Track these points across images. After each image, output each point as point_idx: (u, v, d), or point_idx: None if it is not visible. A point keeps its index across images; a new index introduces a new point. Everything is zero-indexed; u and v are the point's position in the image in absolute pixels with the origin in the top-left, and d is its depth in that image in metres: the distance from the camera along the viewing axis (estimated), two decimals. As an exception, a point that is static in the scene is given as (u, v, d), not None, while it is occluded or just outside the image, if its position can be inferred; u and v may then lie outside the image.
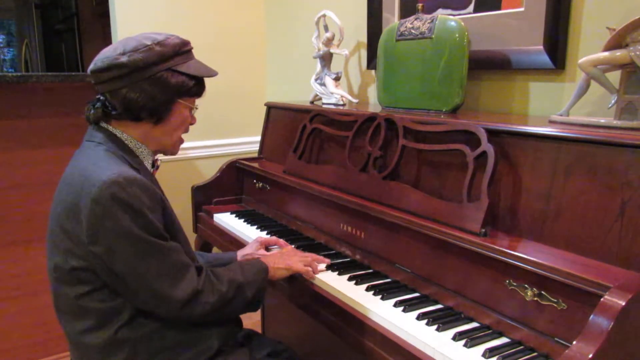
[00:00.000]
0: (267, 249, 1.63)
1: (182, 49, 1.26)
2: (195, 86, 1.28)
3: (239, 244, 1.76)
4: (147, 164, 1.29)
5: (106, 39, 3.51)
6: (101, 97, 1.24)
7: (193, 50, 1.32)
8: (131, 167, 1.19)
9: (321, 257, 1.48)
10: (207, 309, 1.20)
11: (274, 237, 1.66)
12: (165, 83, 1.22)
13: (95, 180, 1.11)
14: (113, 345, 1.18)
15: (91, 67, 1.21)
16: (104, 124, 1.25)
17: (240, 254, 1.61)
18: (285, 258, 1.44)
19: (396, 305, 1.25)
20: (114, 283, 1.15)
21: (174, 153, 1.37)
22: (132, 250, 1.11)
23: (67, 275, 1.17)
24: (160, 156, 1.37)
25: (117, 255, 1.11)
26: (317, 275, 1.42)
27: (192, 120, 1.34)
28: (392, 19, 2.03)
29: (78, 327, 1.19)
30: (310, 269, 1.43)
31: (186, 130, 1.35)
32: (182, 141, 1.35)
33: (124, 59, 1.18)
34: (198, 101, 1.35)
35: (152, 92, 1.21)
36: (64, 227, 1.16)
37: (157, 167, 1.36)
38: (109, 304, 1.17)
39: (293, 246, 1.60)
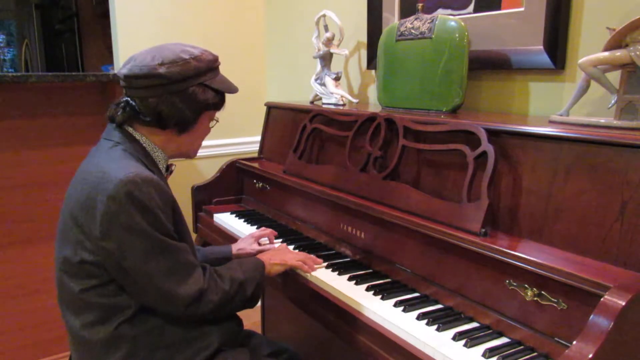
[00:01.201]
0: (259, 243, 1.67)
1: (214, 65, 1.31)
2: (221, 101, 1.34)
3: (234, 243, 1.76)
4: (162, 167, 1.33)
5: (106, 39, 3.51)
6: (130, 102, 1.25)
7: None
8: (146, 169, 1.22)
9: (314, 257, 1.49)
10: (211, 307, 1.22)
11: (267, 230, 1.69)
12: (196, 97, 1.26)
13: (112, 177, 1.13)
14: (113, 341, 1.18)
15: (125, 71, 1.23)
16: (125, 126, 1.27)
17: (235, 247, 1.64)
18: (280, 254, 1.46)
19: (396, 305, 1.25)
20: (121, 279, 1.17)
21: (192, 157, 1.43)
22: (143, 247, 1.13)
23: (75, 268, 1.18)
24: (173, 160, 1.40)
25: (128, 252, 1.13)
26: (317, 275, 1.42)
27: (208, 131, 1.39)
28: (392, 19, 2.03)
29: (80, 322, 1.20)
30: (304, 264, 1.44)
31: (203, 139, 1.40)
32: (200, 146, 1.41)
33: (162, 70, 1.21)
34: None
35: (182, 106, 1.25)
36: (77, 220, 1.17)
37: (171, 172, 1.40)
38: (112, 300, 1.18)
39: (285, 244, 1.61)
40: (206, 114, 1.32)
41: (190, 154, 1.40)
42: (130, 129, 1.27)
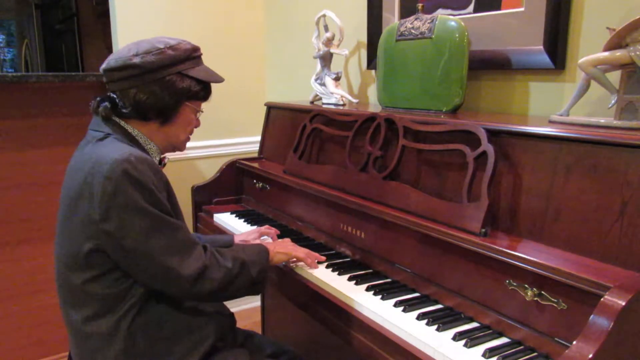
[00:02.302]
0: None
1: (193, 54, 1.31)
2: (202, 90, 1.34)
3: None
4: (155, 160, 1.33)
5: (106, 39, 3.51)
6: (112, 95, 1.27)
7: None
8: None
9: (317, 254, 1.50)
10: (215, 285, 1.21)
11: (272, 229, 1.69)
12: (174, 86, 1.26)
13: (107, 158, 1.14)
14: (113, 334, 1.19)
15: (104, 66, 1.26)
16: (115, 118, 1.28)
17: (238, 238, 1.64)
18: (284, 244, 1.47)
19: (396, 305, 1.25)
20: (123, 262, 1.17)
21: (181, 149, 1.42)
22: (142, 225, 1.14)
23: (78, 259, 1.18)
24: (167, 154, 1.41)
25: (128, 231, 1.13)
26: (317, 275, 1.42)
27: (197, 123, 1.39)
28: (392, 19, 2.03)
29: (81, 315, 1.20)
30: (307, 258, 1.45)
31: (191, 132, 1.39)
32: (188, 139, 1.40)
33: (137, 60, 1.22)
34: (203, 105, 1.39)
35: (161, 94, 1.25)
36: (76, 209, 1.17)
37: (164, 165, 1.40)
38: (113, 291, 1.18)
39: (289, 238, 1.61)
40: (188, 105, 1.32)
41: (179, 147, 1.39)
42: (121, 122, 1.28)
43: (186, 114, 1.33)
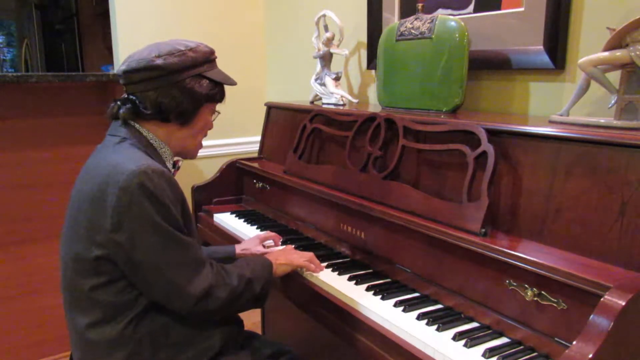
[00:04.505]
0: (264, 245, 1.65)
1: (210, 57, 1.32)
2: (219, 92, 1.34)
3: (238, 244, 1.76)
4: (169, 164, 1.33)
5: (106, 39, 3.52)
6: (131, 97, 1.26)
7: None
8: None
9: (318, 262, 1.48)
10: (219, 304, 1.21)
11: (271, 233, 1.68)
12: (195, 88, 1.27)
13: (123, 169, 1.13)
14: (117, 341, 1.18)
15: (123, 67, 1.24)
16: (131, 122, 1.27)
17: (239, 248, 1.63)
18: (286, 254, 1.46)
19: (396, 305, 1.25)
20: (131, 273, 1.16)
21: (193, 157, 1.42)
22: (154, 240, 1.13)
23: (87, 264, 1.17)
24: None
25: (139, 244, 1.12)
26: (317, 275, 1.42)
27: (211, 125, 1.40)
28: (392, 19, 2.03)
29: (85, 321, 1.20)
30: (310, 264, 1.44)
31: (205, 135, 1.40)
32: (201, 146, 1.41)
33: (159, 61, 1.22)
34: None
35: (182, 97, 1.25)
36: (87, 215, 1.17)
37: (178, 168, 1.40)
38: (120, 298, 1.18)
39: (293, 246, 1.60)
40: (206, 107, 1.32)
41: (192, 151, 1.39)
42: (137, 126, 1.27)
43: (204, 115, 1.33)
